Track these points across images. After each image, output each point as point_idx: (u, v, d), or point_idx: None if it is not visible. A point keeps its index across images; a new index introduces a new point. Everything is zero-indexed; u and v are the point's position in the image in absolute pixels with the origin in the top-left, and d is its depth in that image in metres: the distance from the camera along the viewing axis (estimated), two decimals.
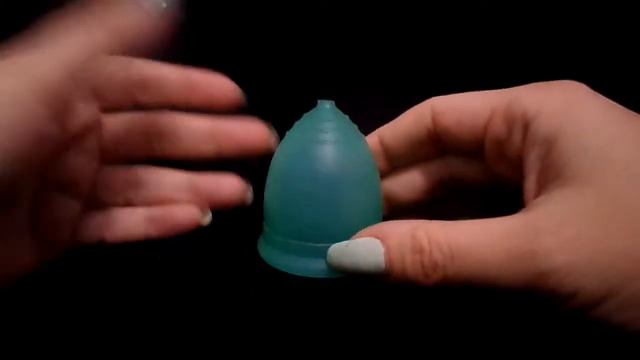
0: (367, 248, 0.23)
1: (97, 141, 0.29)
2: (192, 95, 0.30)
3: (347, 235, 0.26)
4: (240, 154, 0.30)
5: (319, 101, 0.28)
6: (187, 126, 0.30)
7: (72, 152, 0.27)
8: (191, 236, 0.29)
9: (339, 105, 0.28)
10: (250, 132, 0.30)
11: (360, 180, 0.27)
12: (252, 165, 0.29)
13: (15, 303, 0.23)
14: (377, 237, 0.22)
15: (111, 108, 0.30)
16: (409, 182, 0.30)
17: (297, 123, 0.28)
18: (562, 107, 0.22)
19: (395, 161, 0.30)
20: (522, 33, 0.37)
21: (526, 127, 0.23)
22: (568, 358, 0.22)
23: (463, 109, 0.26)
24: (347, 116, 0.28)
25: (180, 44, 0.28)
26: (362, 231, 0.24)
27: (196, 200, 0.30)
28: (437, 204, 0.31)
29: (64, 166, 0.27)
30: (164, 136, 0.30)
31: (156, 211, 0.30)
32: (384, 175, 0.30)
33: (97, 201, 0.29)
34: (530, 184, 0.22)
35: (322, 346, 0.21)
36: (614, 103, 0.22)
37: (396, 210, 0.31)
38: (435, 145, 0.28)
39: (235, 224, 0.30)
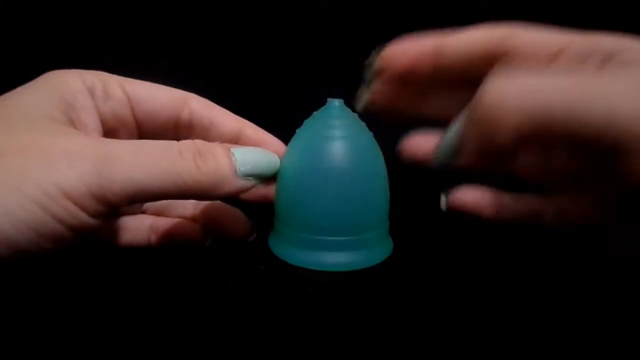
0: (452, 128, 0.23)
1: None
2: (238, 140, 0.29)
3: (356, 228, 0.27)
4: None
5: (328, 100, 0.29)
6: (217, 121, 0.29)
7: None
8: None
9: (348, 103, 0.29)
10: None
11: (369, 175, 0.27)
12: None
13: (15, 303, 0.23)
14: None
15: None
16: (446, 102, 0.28)
17: (307, 121, 0.29)
18: None
19: (442, 74, 0.27)
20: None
21: (610, 55, 0.22)
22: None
23: (540, 34, 0.25)
24: (355, 114, 0.29)
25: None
26: None
27: (202, 222, 0.30)
28: None
29: None
30: (194, 128, 0.29)
31: (161, 222, 0.30)
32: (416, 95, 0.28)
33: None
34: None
35: (332, 339, 0.21)
36: None
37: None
38: (487, 72, 0.26)
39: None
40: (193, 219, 0.30)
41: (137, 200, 0.22)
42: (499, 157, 0.26)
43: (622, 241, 0.24)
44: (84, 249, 0.28)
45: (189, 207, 0.30)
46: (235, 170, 0.24)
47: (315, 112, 0.29)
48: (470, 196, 0.28)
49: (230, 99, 0.30)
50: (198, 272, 0.26)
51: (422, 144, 0.28)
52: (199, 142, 0.24)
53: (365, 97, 0.28)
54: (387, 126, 0.30)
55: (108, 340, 0.21)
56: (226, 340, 0.21)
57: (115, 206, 0.21)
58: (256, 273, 0.27)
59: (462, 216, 0.29)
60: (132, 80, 0.28)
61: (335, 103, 0.28)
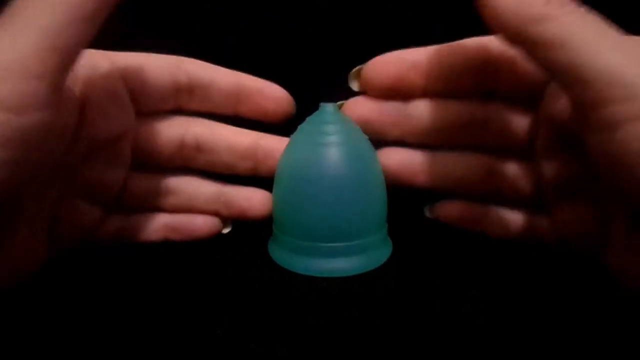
0: None
1: (128, 148, 0.28)
2: (241, 105, 0.29)
3: (353, 234, 0.27)
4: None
5: (321, 104, 0.28)
6: (227, 142, 0.29)
7: (100, 158, 0.27)
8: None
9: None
10: None
11: (365, 180, 0.27)
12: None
13: (16, 303, 0.23)
14: None
15: (151, 112, 0.28)
16: (440, 111, 0.28)
17: (300, 126, 0.28)
18: None
19: (435, 82, 0.27)
20: None
21: None
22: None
23: None
24: (349, 118, 0.28)
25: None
26: None
27: (224, 211, 0.30)
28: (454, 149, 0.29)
29: (94, 173, 0.27)
30: (202, 150, 0.29)
31: (177, 219, 0.30)
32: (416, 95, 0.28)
33: (122, 206, 0.29)
34: None
35: (330, 345, 0.22)
36: None
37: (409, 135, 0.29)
38: (484, 80, 0.27)
39: (246, 226, 0.31)
40: (214, 207, 0.30)
41: None
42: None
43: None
44: (93, 249, 0.28)
45: (208, 194, 0.30)
46: None
47: (308, 117, 0.28)
48: (453, 210, 0.28)
49: None
50: (197, 279, 0.27)
51: (391, 66, 0.27)
52: None
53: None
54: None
55: (107, 340, 0.21)
56: (225, 345, 0.21)
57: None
58: (255, 279, 0.27)
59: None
60: (120, 53, 0.27)
61: (329, 108, 0.28)
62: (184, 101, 0.29)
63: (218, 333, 0.22)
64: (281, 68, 0.30)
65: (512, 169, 0.28)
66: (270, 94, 0.29)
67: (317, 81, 0.31)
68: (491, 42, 0.26)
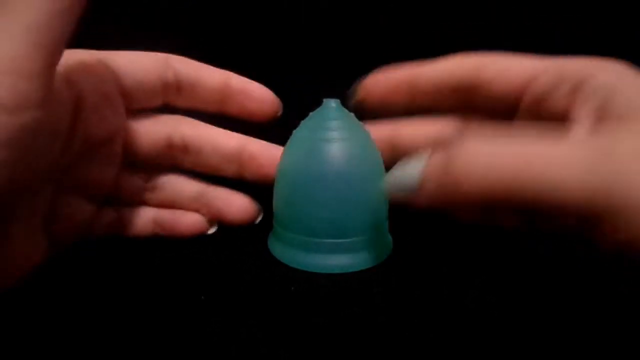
0: (414, 164, 0.22)
1: (120, 146, 0.28)
2: (227, 104, 0.29)
3: (354, 231, 0.27)
4: (261, 181, 0.29)
5: (324, 100, 0.28)
6: (213, 142, 0.29)
7: (94, 157, 0.27)
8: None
9: (344, 103, 0.28)
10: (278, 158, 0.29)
11: (367, 176, 0.27)
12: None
13: (16, 300, 0.23)
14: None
15: (140, 109, 0.29)
16: (423, 130, 0.29)
17: (303, 122, 0.28)
18: (616, 70, 0.22)
19: (417, 101, 0.28)
20: (524, 34, 0.37)
21: (578, 83, 0.22)
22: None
23: (508, 64, 0.26)
24: (352, 114, 0.28)
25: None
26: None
27: (205, 212, 0.30)
28: None
29: (88, 171, 0.27)
30: (189, 151, 0.29)
31: (165, 214, 0.30)
32: (398, 116, 0.29)
33: (113, 201, 0.29)
34: (582, 129, 0.21)
35: (330, 342, 0.22)
36: None
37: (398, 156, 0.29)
38: (462, 98, 0.27)
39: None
40: (195, 206, 0.30)
41: None
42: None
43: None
44: (86, 244, 0.28)
45: (190, 193, 0.30)
46: None
47: (311, 113, 0.28)
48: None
49: None
50: (197, 275, 0.27)
51: (381, 83, 0.28)
52: None
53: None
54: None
55: (107, 340, 0.21)
56: (225, 341, 0.21)
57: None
58: (254, 274, 0.27)
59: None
60: (110, 52, 0.27)
61: (332, 103, 0.28)
62: (172, 98, 0.29)
63: (218, 328, 0.22)
64: (283, 66, 0.30)
65: None
66: (255, 95, 0.29)
67: (320, 77, 0.31)
68: (465, 63, 0.27)
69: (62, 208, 0.26)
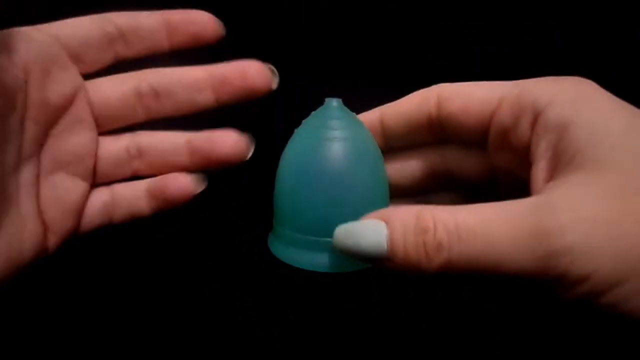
0: (371, 229, 0.22)
1: (87, 109, 0.29)
2: (174, 37, 0.29)
3: None
4: (240, 99, 0.29)
5: (326, 99, 0.28)
6: (180, 78, 0.29)
7: (62, 124, 0.27)
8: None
9: (346, 103, 0.28)
10: (248, 73, 0.29)
11: (368, 176, 0.27)
12: (262, 162, 0.30)
13: (15, 297, 0.23)
14: (383, 219, 0.22)
15: (94, 70, 0.29)
16: (401, 167, 0.30)
17: (305, 121, 0.28)
18: (573, 98, 0.22)
19: (392, 141, 0.29)
20: (524, 32, 0.38)
21: (536, 115, 0.22)
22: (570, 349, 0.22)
23: (470, 95, 0.26)
24: (354, 113, 0.28)
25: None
26: (368, 214, 0.23)
27: (196, 160, 0.30)
28: (427, 195, 0.31)
29: (63, 142, 0.27)
30: (158, 94, 0.29)
31: (153, 182, 0.30)
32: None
33: (102, 177, 0.29)
34: (539, 171, 0.22)
35: (329, 340, 0.22)
36: (618, 99, 0.22)
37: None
38: (434, 132, 0.28)
39: (245, 219, 0.31)
40: (186, 159, 0.30)
41: None
42: None
43: None
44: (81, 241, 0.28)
45: (176, 145, 0.30)
46: None
47: (313, 112, 0.28)
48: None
49: None
50: (196, 273, 0.27)
51: None
52: None
53: None
54: None
55: (106, 339, 0.21)
56: (225, 338, 0.21)
57: None
58: (254, 273, 0.27)
59: None
60: (50, 23, 0.28)
61: (334, 103, 0.28)
62: (120, 50, 0.29)
63: (218, 325, 0.22)
64: (284, 65, 0.31)
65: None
66: (195, 19, 0.29)
67: (322, 76, 0.31)
68: (429, 98, 0.27)
69: (50, 190, 0.26)
